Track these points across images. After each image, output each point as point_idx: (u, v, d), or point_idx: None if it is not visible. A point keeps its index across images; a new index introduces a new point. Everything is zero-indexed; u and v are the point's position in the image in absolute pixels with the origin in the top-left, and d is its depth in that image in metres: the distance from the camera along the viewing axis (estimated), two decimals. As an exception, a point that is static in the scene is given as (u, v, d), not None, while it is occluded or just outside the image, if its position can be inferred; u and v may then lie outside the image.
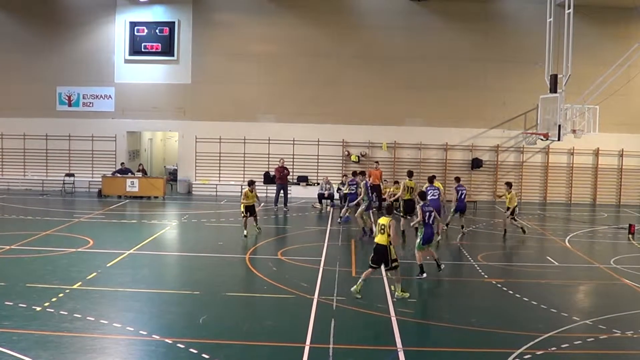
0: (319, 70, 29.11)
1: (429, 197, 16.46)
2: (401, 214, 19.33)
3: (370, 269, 12.81)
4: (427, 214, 14.37)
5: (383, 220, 12.65)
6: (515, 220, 20.32)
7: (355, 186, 20.47)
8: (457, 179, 20.50)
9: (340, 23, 29.09)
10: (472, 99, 28.84)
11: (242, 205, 19.42)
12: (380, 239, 12.61)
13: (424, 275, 14.46)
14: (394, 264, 12.60)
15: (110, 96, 29.67)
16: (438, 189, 18.72)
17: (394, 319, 11.45)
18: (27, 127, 29.70)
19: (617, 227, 22.86)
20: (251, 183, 19.71)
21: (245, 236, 18.87)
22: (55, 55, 29.50)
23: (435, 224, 15.81)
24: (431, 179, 18.97)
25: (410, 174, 20.02)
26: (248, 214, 19.28)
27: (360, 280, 12.78)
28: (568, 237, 20.33)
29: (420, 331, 11.09)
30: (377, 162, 26.76)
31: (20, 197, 27.47)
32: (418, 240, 14.57)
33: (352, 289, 12.72)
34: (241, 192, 20.10)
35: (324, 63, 29.06)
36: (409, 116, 29.15)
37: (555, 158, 29.08)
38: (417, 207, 14.94)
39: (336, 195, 26.76)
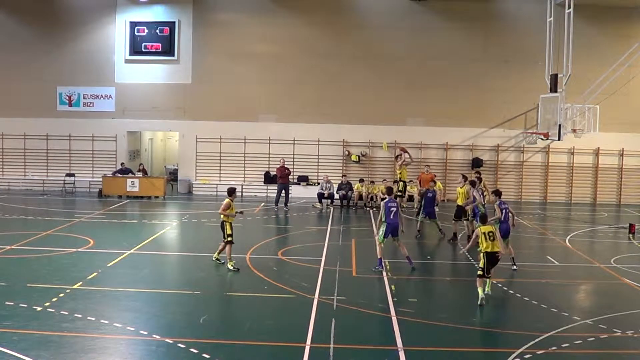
0: (320, 70, 29.10)
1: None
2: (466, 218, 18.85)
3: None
4: (504, 210, 15.29)
5: (489, 228, 12.75)
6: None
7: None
8: (497, 193, 16.32)
9: (341, 23, 29.09)
10: (473, 98, 28.83)
11: (227, 224, 15.02)
12: (490, 246, 12.57)
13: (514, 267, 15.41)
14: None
15: (110, 96, 29.68)
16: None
17: (394, 319, 11.46)
18: (27, 127, 29.72)
19: (618, 226, 22.85)
20: (232, 191, 15.53)
21: (237, 269, 14.85)
22: (56, 55, 29.52)
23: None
24: (473, 183, 18.50)
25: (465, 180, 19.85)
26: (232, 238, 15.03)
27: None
28: (568, 237, 20.33)
29: (420, 331, 11.08)
30: (427, 165, 26.51)
31: (20, 197, 27.49)
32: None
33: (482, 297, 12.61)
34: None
35: (324, 63, 29.05)
36: (409, 116, 29.15)
37: (556, 158, 29.07)
38: (495, 204, 15.57)
39: (336, 195, 26.77)
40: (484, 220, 13.17)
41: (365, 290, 13.35)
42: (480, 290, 12.63)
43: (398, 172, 21.04)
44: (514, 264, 15.49)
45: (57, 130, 29.68)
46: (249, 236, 19.83)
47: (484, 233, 12.62)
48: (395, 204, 15.44)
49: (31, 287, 12.93)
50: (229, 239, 14.96)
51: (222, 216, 15.08)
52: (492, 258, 12.63)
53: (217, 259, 15.47)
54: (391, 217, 15.08)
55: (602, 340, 10.65)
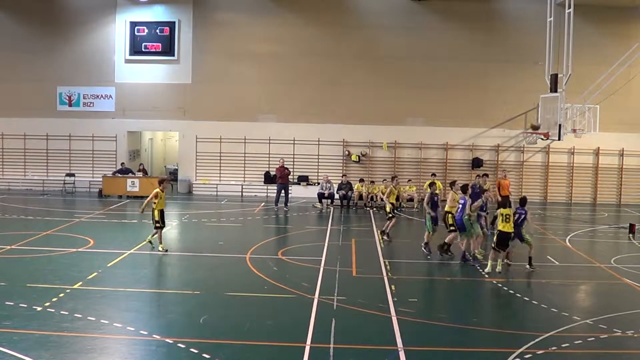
0: (320, 70, 29.10)
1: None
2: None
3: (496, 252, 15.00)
4: (518, 215, 15.64)
5: (507, 211, 14.82)
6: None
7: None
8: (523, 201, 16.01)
9: (341, 23, 29.08)
10: (473, 98, 28.82)
11: (155, 211, 16.65)
12: (506, 227, 14.72)
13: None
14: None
15: (110, 96, 29.68)
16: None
17: (394, 319, 11.46)
18: (27, 127, 29.71)
19: (618, 226, 22.84)
20: (162, 181, 17.35)
21: (166, 250, 16.67)
22: (56, 55, 29.51)
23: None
24: (464, 189, 16.69)
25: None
26: (162, 223, 16.79)
27: (491, 262, 14.96)
28: (569, 237, 20.33)
29: (420, 331, 11.08)
30: (504, 170, 25.21)
31: (20, 197, 27.49)
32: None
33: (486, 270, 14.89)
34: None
35: (324, 63, 29.05)
36: (409, 116, 29.15)
37: (556, 157, 29.07)
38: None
39: (336, 195, 26.76)
40: (504, 204, 15.09)
41: (365, 290, 13.34)
42: (490, 262, 14.94)
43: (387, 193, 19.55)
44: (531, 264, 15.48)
45: (57, 130, 29.68)
46: (249, 236, 19.86)
47: (502, 214, 14.82)
48: (463, 200, 16.20)
49: (31, 287, 12.92)
50: (157, 224, 16.69)
51: (152, 204, 16.80)
52: (502, 235, 14.69)
53: (149, 242, 17.00)
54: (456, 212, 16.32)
55: (602, 340, 10.64)
